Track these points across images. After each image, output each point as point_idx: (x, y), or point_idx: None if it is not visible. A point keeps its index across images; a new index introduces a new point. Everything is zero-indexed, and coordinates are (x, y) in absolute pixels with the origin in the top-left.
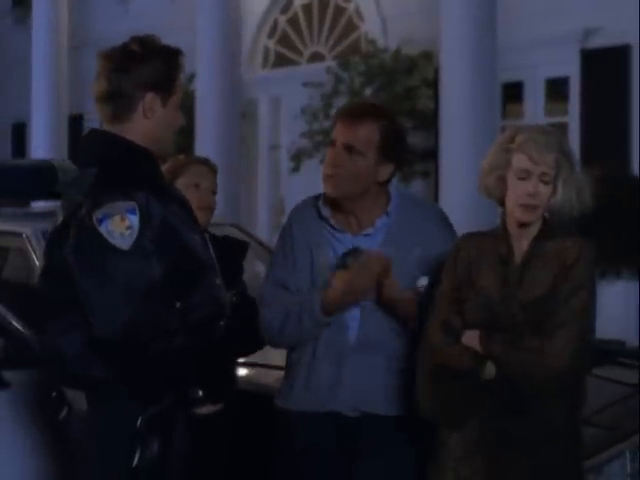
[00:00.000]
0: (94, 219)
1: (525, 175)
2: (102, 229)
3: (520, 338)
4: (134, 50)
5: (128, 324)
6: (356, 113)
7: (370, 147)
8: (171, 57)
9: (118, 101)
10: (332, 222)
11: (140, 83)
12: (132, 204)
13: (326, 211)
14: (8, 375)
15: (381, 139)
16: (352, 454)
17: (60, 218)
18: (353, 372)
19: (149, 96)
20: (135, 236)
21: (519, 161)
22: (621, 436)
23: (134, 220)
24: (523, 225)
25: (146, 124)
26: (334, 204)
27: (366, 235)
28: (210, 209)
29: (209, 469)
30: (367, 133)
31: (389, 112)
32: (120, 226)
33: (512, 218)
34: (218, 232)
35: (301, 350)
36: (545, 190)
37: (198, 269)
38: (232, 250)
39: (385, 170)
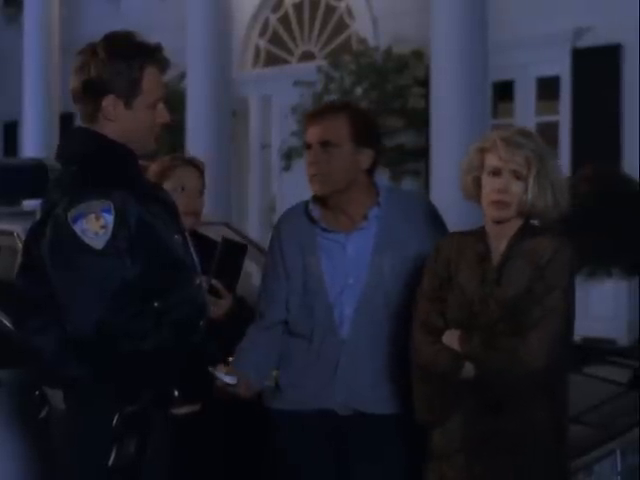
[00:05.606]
0: (69, 217)
1: (496, 172)
2: (76, 228)
3: (496, 338)
4: (97, 51)
5: (100, 323)
6: (320, 111)
7: (343, 137)
8: (138, 57)
9: (83, 102)
10: (323, 224)
11: (98, 86)
12: (107, 203)
13: (317, 213)
14: (1, 374)
15: (351, 127)
16: (345, 453)
17: (38, 215)
18: (346, 370)
19: (108, 99)
20: (109, 235)
21: (490, 160)
22: (612, 435)
23: (109, 219)
24: (499, 223)
25: (111, 126)
26: (325, 204)
27: (360, 229)
28: (196, 213)
29: (197, 469)
30: (337, 125)
31: (351, 103)
32: (95, 225)
33: (488, 217)
34: (209, 231)
35: (294, 349)
36: (517, 187)
37: (177, 269)
38: (230, 252)
39: (365, 156)
